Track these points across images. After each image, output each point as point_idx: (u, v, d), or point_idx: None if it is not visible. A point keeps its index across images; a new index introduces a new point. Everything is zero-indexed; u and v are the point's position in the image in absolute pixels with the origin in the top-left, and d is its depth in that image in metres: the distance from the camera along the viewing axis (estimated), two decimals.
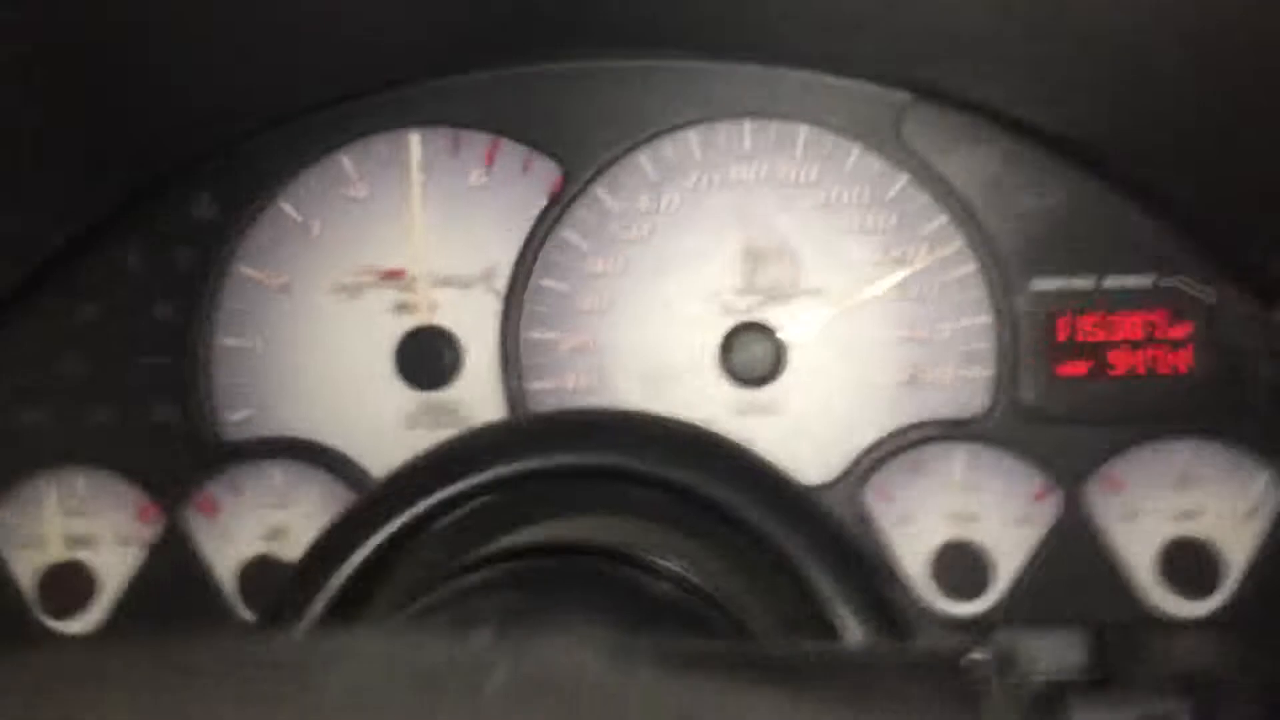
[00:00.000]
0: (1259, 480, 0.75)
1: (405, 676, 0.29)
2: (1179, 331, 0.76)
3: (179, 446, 0.82)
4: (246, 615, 0.80)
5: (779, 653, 0.52)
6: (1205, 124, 0.68)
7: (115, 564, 0.82)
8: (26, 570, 0.82)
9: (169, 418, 0.82)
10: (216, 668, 0.27)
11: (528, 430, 0.72)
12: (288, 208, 0.82)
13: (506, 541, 0.63)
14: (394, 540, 0.62)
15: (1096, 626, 0.74)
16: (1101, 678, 0.71)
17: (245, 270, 0.82)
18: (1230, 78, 0.63)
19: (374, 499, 0.67)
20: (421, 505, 0.63)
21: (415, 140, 0.82)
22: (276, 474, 0.82)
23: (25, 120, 0.69)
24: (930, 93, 0.77)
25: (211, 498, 0.82)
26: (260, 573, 0.80)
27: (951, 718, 0.41)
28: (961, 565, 0.77)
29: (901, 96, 0.78)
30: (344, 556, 0.62)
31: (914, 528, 0.78)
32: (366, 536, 0.62)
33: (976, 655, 0.43)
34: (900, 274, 0.79)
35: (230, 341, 0.82)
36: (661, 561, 0.62)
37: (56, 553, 0.82)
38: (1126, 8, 0.62)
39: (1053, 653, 0.47)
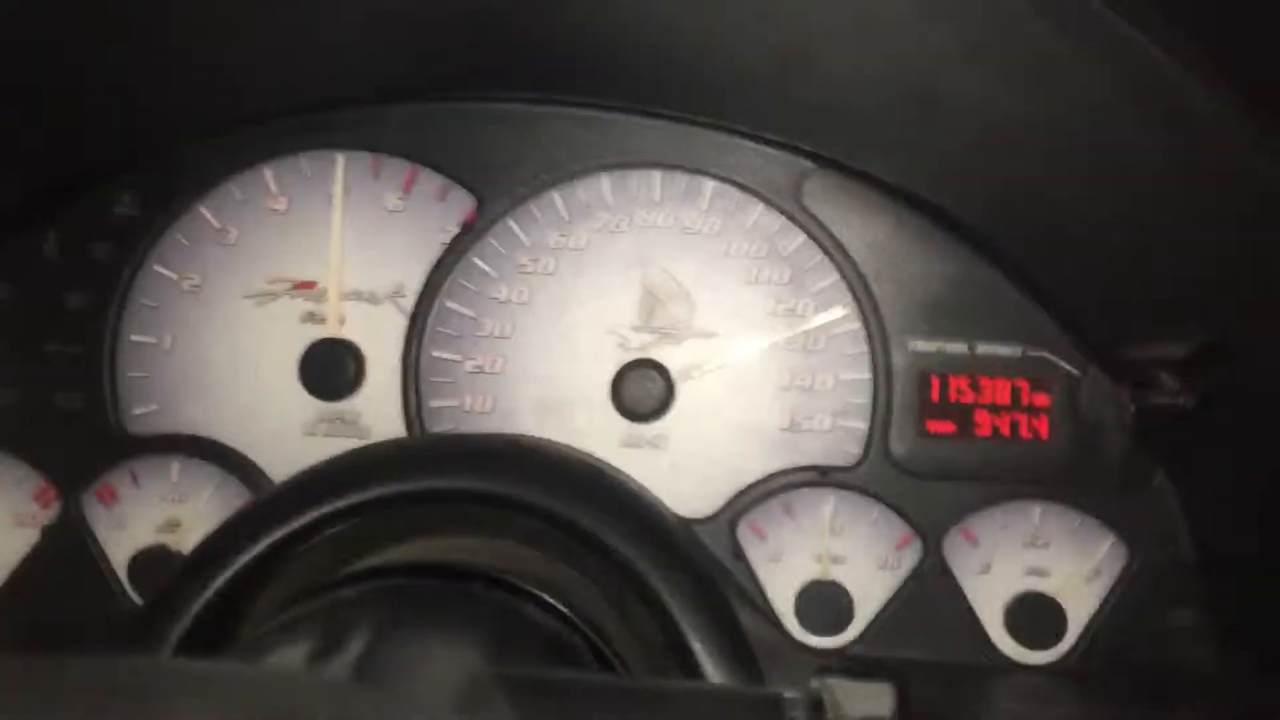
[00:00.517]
0: (1103, 545, 0.81)
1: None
2: (1040, 399, 0.81)
3: (81, 434, 0.83)
4: (135, 602, 0.82)
5: (617, 685, 0.56)
6: (1076, 214, 0.73)
7: (9, 543, 0.83)
8: None
9: (74, 406, 0.84)
10: (74, 692, 0.29)
11: (419, 451, 0.75)
12: (207, 213, 0.84)
13: (386, 557, 0.66)
14: (280, 546, 0.65)
15: (945, 666, 0.80)
16: None
17: (160, 270, 0.84)
18: (1101, 174, 0.69)
19: (265, 504, 0.69)
20: (310, 515, 0.66)
21: (340, 161, 0.85)
22: (175, 469, 0.84)
23: None
24: (829, 161, 0.82)
25: (110, 487, 0.84)
26: (152, 562, 0.82)
27: None
28: (825, 602, 0.82)
29: (803, 162, 0.83)
30: (231, 557, 0.64)
31: (783, 565, 0.82)
32: (254, 540, 0.65)
33: (790, 695, 0.47)
34: (789, 326, 0.83)
35: (139, 337, 0.84)
36: (532, 588, 0.65)
37: None
38: (1005, 101, 0.67)
39: (864, 700, 0.52)
